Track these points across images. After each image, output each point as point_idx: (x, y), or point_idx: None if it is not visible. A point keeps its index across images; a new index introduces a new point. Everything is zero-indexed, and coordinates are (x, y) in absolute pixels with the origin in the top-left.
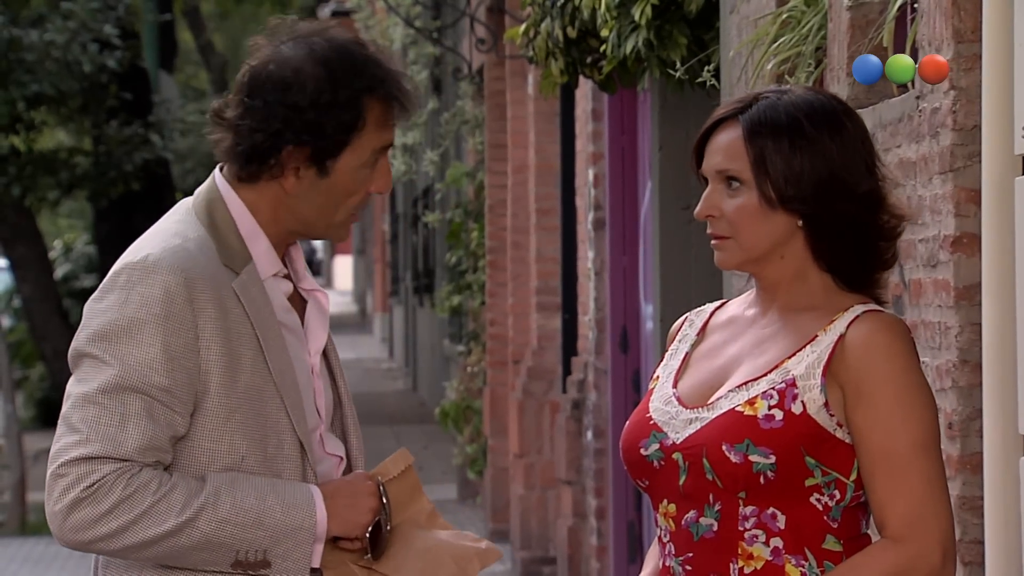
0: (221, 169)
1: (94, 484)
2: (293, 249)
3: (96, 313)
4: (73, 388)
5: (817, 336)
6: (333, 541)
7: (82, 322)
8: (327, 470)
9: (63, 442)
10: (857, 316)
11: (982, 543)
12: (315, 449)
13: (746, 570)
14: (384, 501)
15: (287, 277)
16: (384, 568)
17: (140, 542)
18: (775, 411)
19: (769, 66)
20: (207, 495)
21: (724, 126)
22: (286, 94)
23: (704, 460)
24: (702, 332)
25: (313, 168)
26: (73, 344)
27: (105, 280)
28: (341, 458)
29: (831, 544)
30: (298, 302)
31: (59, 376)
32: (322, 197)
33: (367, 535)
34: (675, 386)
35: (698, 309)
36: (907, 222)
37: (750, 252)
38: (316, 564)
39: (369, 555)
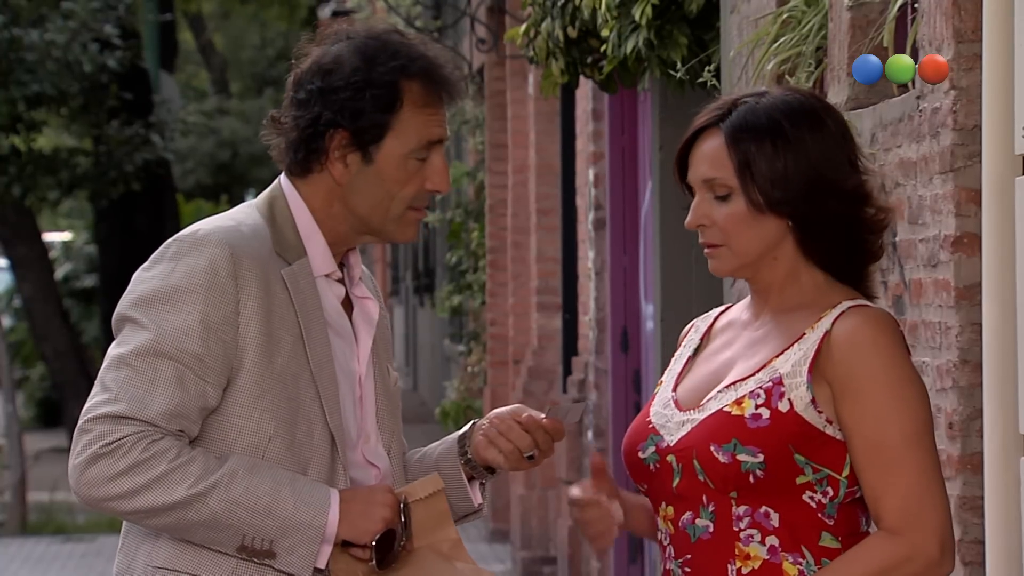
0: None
1: (113, 442)
2: (352, 255)
3: (142, 280)
4: (111, 350)
5: (805, 334)
6: (346, 547)
7: (128, 288)
8: (363, 478)
9: (94, 400)
10: (843, 312)
11: (982, 543)
12: (354, 454)
13: (744, 570)
14: (403, 519)
15: (341, 282)
16: None
17: (149, 508)
18: (762, 410)
19: (769, 66)
20: (223, 474)
21: (705, 135)
22: (325, 79)
23: (694, 461)
24: (705, 336)
25: (358, 154)
26: (117, 308)
27: (156, 252)
28: (380, 469)
29: (828, 541)
30: (349, 309)
31: (59, 376)
32: (373, 187)
33: (373, 543)
34: (675, 390)
35: (704, 315)
36: (892, 213)
37: (743, 258)
38: (322, 565)
39: (373, 563)
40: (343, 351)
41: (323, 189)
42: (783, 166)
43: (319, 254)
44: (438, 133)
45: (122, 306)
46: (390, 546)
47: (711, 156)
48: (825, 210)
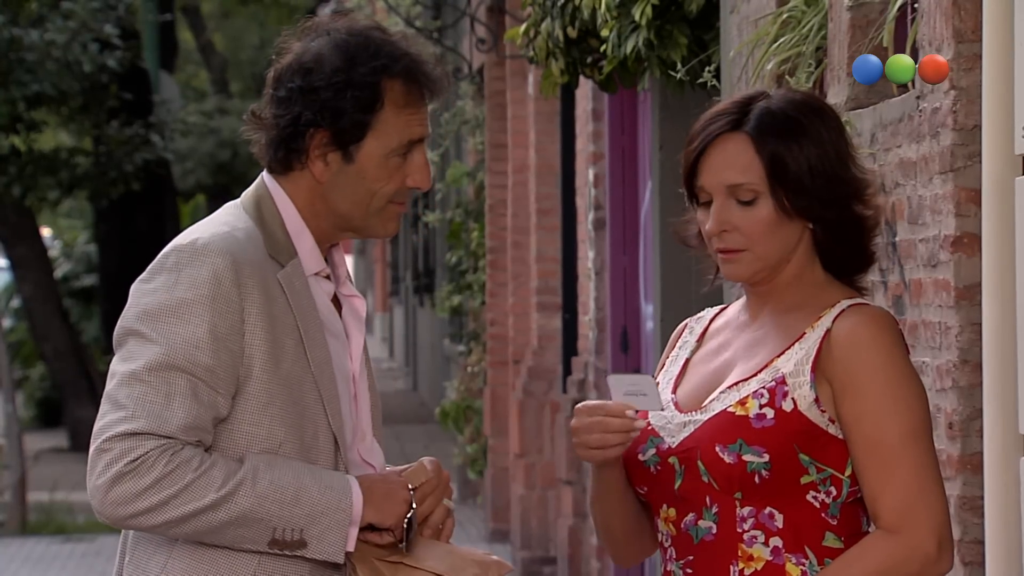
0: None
1: (137, 459)
2: (335, 252)
3: (144, 293)
4: (118, 366)
5: (805, 333)
6: (362, 532)
7: (129, 301)
8: None
9: (108, 418)
10: (843, 311)
11: (982, 543)
12: (352, 453)
13: (746, 572)
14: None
15: (328, 278)
16: (412, 561)
17: (180, 516)
18: (766, 410)
19: (769, 66)
20: (245, 471)
21: (723, 139)
22: (306, 78)
23: (698, 462)
24: (701, 338)
25: (338, 153)
26: (120, 323)
27: (153, 262)
28: (376, 468)
29: (831, 541)
30: (337, 306)
31: (59, 376)
32: (353, 186)
33: (403, 526)
34: (674, 392)
35: (698, 315)
36: (882, 211)
37: (765, 261)
38: (351, 548)
39: (403, 544)
40: (337, 350)
41: (305, 187)
42: (805, 162)
43: (308, 252)
44: (419, 132)
45: (126, 319)
46: (409, 529)
47: (736, 161)
48: (842, 209)
